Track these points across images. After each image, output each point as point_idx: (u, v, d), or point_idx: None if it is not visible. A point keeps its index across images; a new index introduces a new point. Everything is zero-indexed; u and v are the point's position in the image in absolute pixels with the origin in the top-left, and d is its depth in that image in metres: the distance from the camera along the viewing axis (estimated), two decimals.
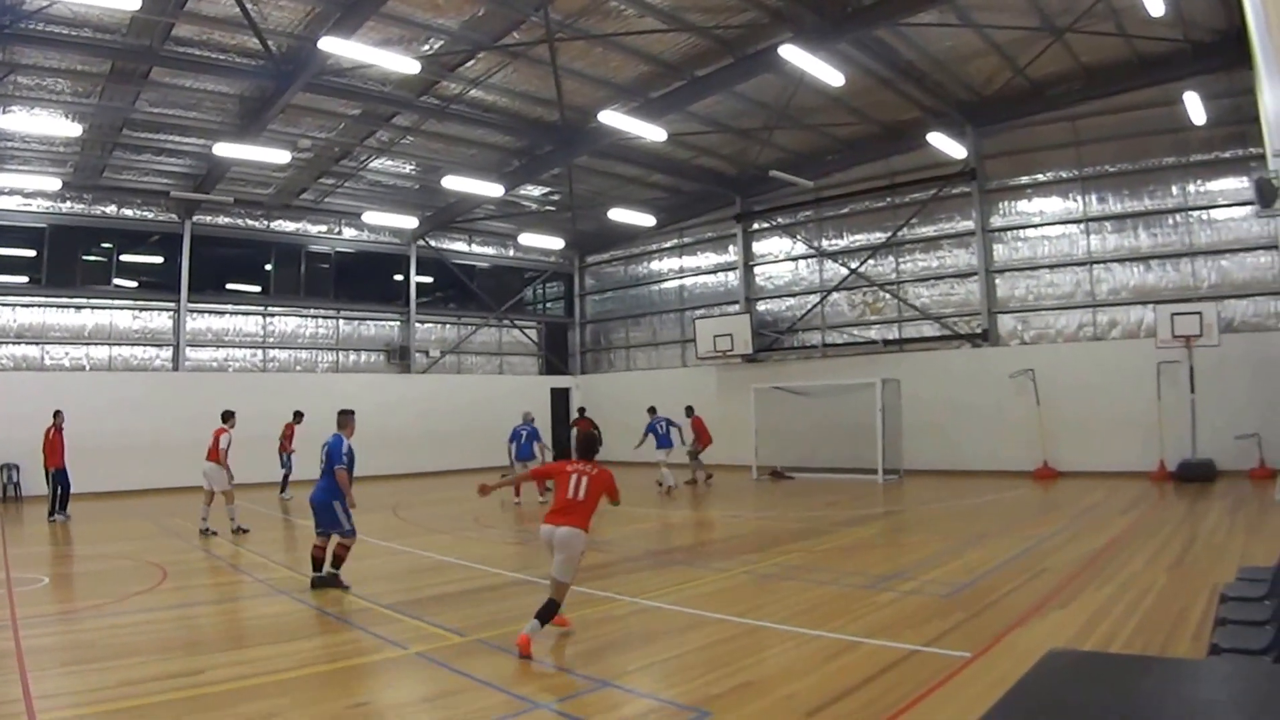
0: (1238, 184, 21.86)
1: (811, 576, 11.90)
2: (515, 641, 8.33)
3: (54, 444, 19.91)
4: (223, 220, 29.32)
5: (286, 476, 24.34)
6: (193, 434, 24.21)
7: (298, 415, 24.12)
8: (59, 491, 19.94)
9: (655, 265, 36.79)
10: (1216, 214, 22.68)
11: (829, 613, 9.75)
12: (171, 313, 28.13)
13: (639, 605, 10.50)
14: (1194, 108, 20.17)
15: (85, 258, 27.27)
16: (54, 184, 24.69)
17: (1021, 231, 25.95)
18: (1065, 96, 24.10)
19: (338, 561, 11.81)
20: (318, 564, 11.78)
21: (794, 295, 31.46)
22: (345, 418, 12.62)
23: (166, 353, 28.10)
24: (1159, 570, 11.11)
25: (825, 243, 30.57)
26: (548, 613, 8.67)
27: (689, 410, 26.23)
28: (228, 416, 17.68)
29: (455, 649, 8.66)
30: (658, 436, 24.84)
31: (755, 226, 32.60)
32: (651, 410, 25.75)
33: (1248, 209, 21.02)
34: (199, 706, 6.90)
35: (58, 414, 20.18)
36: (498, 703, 6.97)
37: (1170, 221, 23.31)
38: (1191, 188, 23.04)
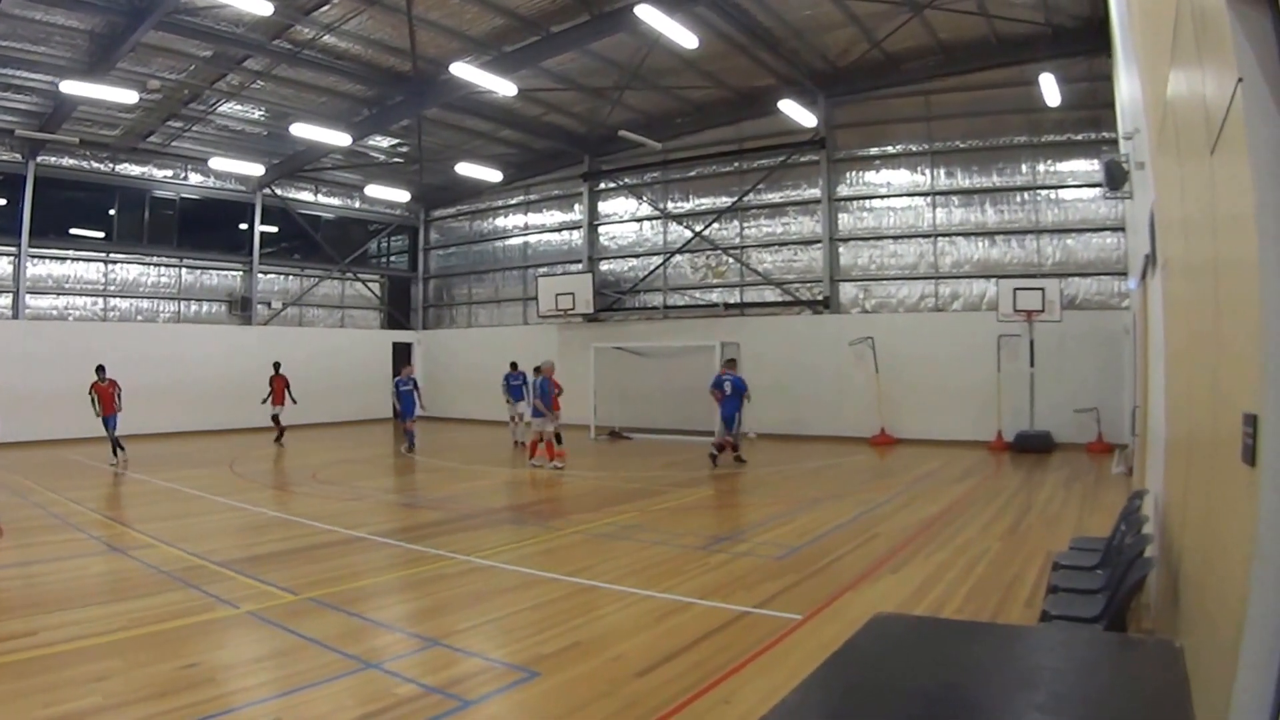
0: (1088, 166, 22.28)
1: (645, 537, 11.83)
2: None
3: None
4: (67, 162, 27.82)
5: (115, 441, 21.09)
6: (31, 385, 23.30)
7: (101, 370, 21.26)
8: None
9: (501, 221, 36.36)
10: (1065, 194, 23.22)
11: (661, 573, 9.69)
12: (12, 258, 26.71)
13: (471, 564, 10.31)
14: (1049, 90, 20.41)
15: None
16: None
17: (868, 202, 26.20)
18: (920, 71, 24.32)
19: (735, 447, 19.81)
20: (733, 448, 19.82)
21: (637, 256, 31.40)
22: (733, 359, 21.37)
23: (6, 300, 26.68)
24: (993, 538, 11.29)
25: (671, 205, 30.52)
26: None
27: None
28: None
29: (287, 608, 8.43)
30: (511, 389, 24.39)
31: (602, 186, 32.43)
32: (513, 365, 24.93)
33: (1096, 190, 21.25)
34: (31, 669, 6.68)
35: None
36: (328, 662, 6.86)
37: (1018, 199, 23.80)
38: (1041, 167, 23.54)
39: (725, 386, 19.79)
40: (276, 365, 26.15)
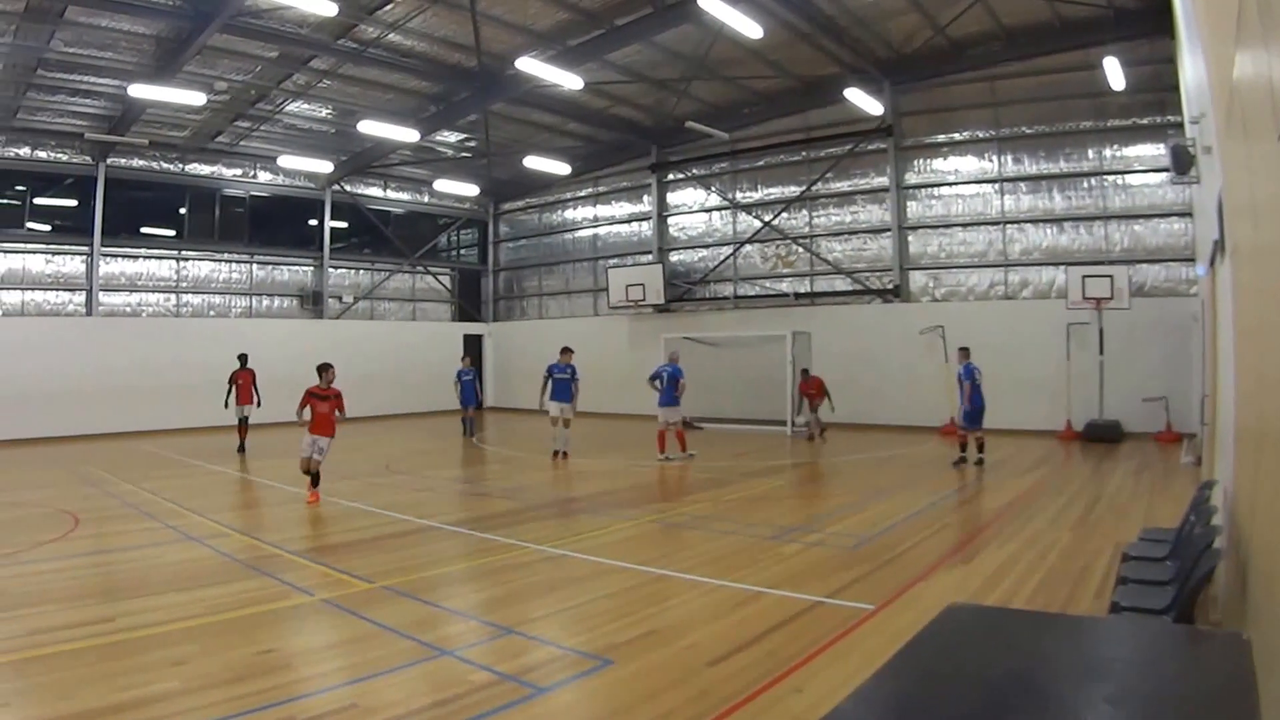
0: (1154, 150, 21.92)
1: (717, 527, 11.87)
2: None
3: None
4: (137, 163, 28.33)
5: None
6: (106, 380, 23.86)
7: None
8: None
9: (569, 214, 36.47)
10: (1131, 179, 22.86)
11: (734, 563, 9.72)
12: (85, 257, 27.23)
13: (545, 553, 10.40)
14: (1114, 73, 20.07)
15: None
16: None
17: (936, 189, 26.02)
18: (985, 57, 24.05)
19: (977, 445, 17.73)
20: (965, 446, 17.85)
21: (707, 246, 31.38)
22: (965, 347, 18.38)
23: (80, 298, 27.20)
24: (1063, 529, 11.22)
25: (739, 195, 30.46)
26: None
27: (805, 373, 24.38)
28: None
29: (362, 595, 8.57)
30: (555, 384, 20.27)
31: (670, 177, 32.41)
32: (565, 350, 20.63)
33: (1163, 175, 20.89)
34: (109, 654, 6.80)
35: None
36: (403, 649, 6.95)
37: (1085, 185, 23.48)
38: (1108, 152, 23.19)
39: (975, 376, 17.63)
40: (243, 358, 22.32)
